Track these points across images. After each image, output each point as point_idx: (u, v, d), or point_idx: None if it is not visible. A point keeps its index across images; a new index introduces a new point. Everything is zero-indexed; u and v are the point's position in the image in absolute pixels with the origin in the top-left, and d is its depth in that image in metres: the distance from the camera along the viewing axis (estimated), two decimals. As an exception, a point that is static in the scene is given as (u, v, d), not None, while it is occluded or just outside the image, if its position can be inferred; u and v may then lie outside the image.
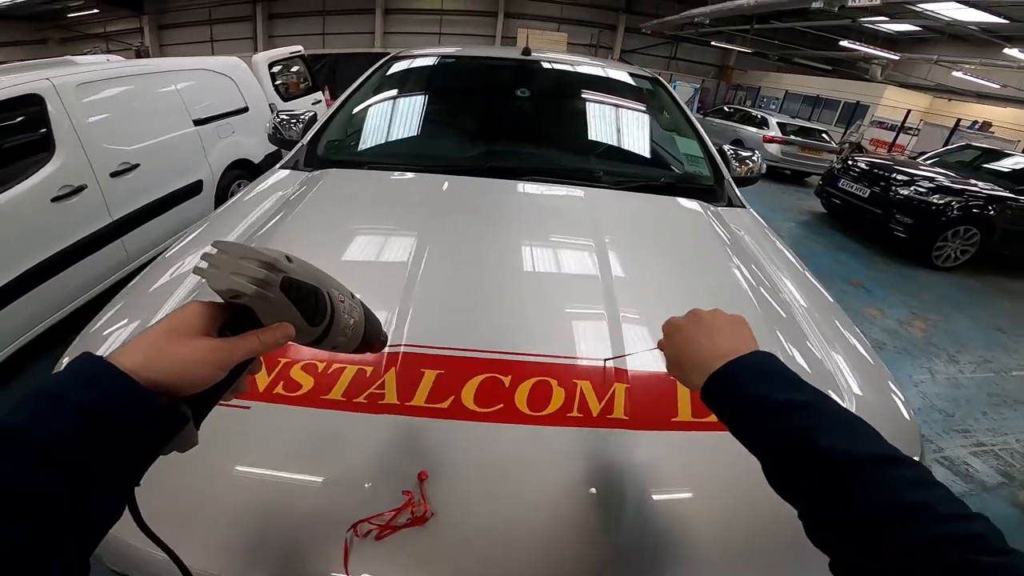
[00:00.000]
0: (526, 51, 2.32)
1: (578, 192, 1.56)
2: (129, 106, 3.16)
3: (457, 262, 1.15)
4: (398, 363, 0.84)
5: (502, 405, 0.79)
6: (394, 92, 2.18)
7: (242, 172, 4.24)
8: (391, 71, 2.24)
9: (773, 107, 17.06)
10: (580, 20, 19.37)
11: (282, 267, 0.42)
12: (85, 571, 0.34)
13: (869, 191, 6.12)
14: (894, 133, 13.57)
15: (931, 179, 5.77)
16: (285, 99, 5.18)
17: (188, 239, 1.30)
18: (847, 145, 11.40)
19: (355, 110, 2.03)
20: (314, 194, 1.43)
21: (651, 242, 1.36)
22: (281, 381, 0.81)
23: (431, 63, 2.36)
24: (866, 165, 6.47)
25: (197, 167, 3.66)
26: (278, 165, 1.74)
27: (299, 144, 1.83)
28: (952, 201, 5.43)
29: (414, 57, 2.31)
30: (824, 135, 9.82)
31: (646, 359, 0.88)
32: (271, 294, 0.41)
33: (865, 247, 6.02)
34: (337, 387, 0.80)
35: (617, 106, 2.19)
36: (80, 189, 2.65)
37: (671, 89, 2.38)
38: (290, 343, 0.44)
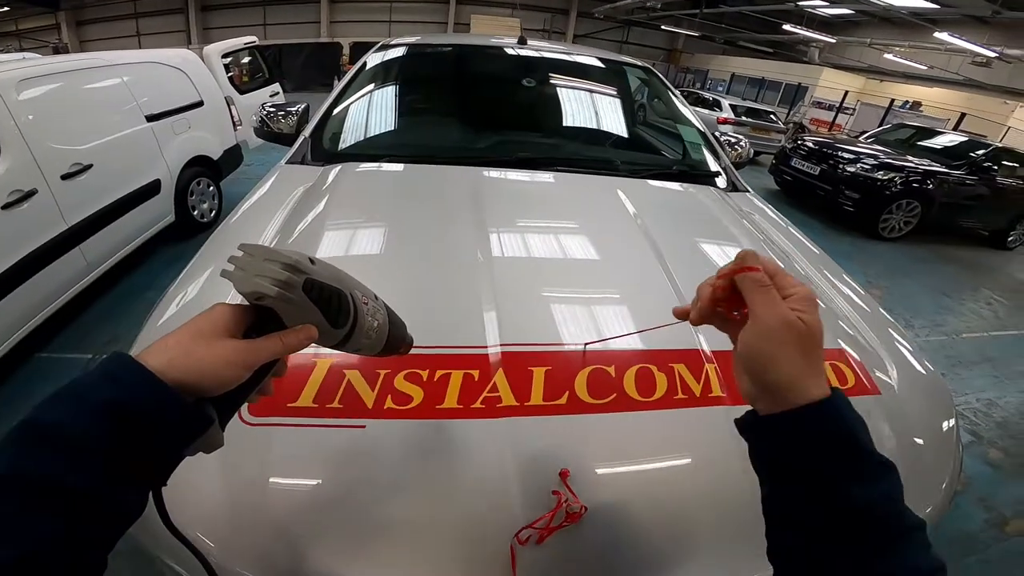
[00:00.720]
0: (522, 40, 2.30)
1: (605, 181, 1.59)
2: (75, 103, 2.93)
3: (523, 254, 1.14)
4: (503, 364, 0.83)
5: (615, 395, 0.81)
6: (393, 82, 2.11)
7: (201, 169, 4.03)
8: (385, 61, 2.17)
9: (720, 89, 17.60)
10: (533, 5, 19.28)
11: (304, 268, 0.42)
12: (103, 567, 0.35)
13: (819, 169, 6.44)
14: (833, 113, 14.26)
15: (874, 156, 6.16)
16: (241, 92, 4.93)
17: (216, 241, 1.24)
18: (792, 125, 11.93)
19: (355, 101, 1.95)
20: (343, 190, 1.37)
21: (690, 230, 1.39)
22: (389, 395, 0.77)
23: (429, 52, 2.31)
24: (814, 144, 6.80)
25: (153, 166, 3.44)
26: (283, 160, 1.65)
27: (301, 137, 1.75)
28: (895, 177, 5.82)
29: (407, 46, 2.25)
30: (772, 116, 10.25)
31: (718, 337, 0.92)
32: (293, 296, 0.41)
33: (819, 221, 6.37)
34: (449, 395, 0.78)
35: (620, 96, 2.24)
36: (30, 194, 2.44)
37: (664, 78, 2.42)
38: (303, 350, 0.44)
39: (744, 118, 9.63)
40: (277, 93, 5.69)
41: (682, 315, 0.52)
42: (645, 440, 0.78)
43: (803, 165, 6.71)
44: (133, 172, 3.26)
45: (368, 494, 0.69)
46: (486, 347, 0.85)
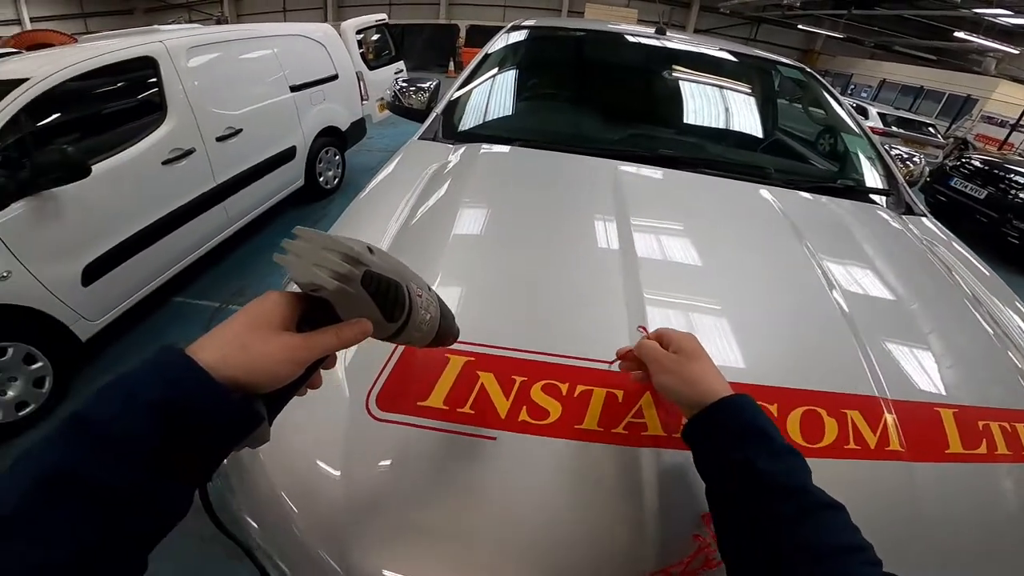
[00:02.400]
0: (660, 30, 2.15)
1: (758, 189, 1.43)
2: (234, 71, 3.17)
3: (674, 265, 1.03)
4: (652, 388, 0.73)
5: None
6: (526, 65, 2.05)
7: (330, 139, 4.25)
8: (518, 42, 2.09)
9: (865, 95, 15.80)
10: (651, -5, 18.47)
11: (364, 260, 0.41)
12: (144, 567, 0.34)
13: (985, 192, 5.51)
14: (1007, 130, 12.28)
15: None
16: (370, 68, 5.13)
17: (351, 214, 1.20)
18: (952, 140, 10.38)
19: (488, 81, 1.90)
20: (478, 172, 1.32)
21: (862, 257, 1.20)
22: (524, 406, 0.71)
23: (563, 36, 2.22)
24: (983, 164, 5.83)
25: (292, 133, 3.67)
26: (416, 136, 1.64)
27: (433, 114, 1.72)
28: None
29: (539, 28, 2.18)
30: (930, 128, 8.97)
31: (913, 389, 0.81)
32: (352, 289, 0.40)
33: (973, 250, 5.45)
34: (590, 414, 0.70)
35: (770, 98, 2.07)
36: (189, 153, 2.67)
37: (824, 82, 2.14)
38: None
39: (895, 128, 8.51)
40: (401, 71, 5.88)
41: (620, 356, 0.67)
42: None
43: (965, 186, 5.78)
44: (275, 138, 3.50)
45: (493, 512, 0.64)
46: None
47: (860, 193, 1.58)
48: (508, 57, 2.02)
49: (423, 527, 0.63)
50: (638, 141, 1.66)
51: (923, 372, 0.86)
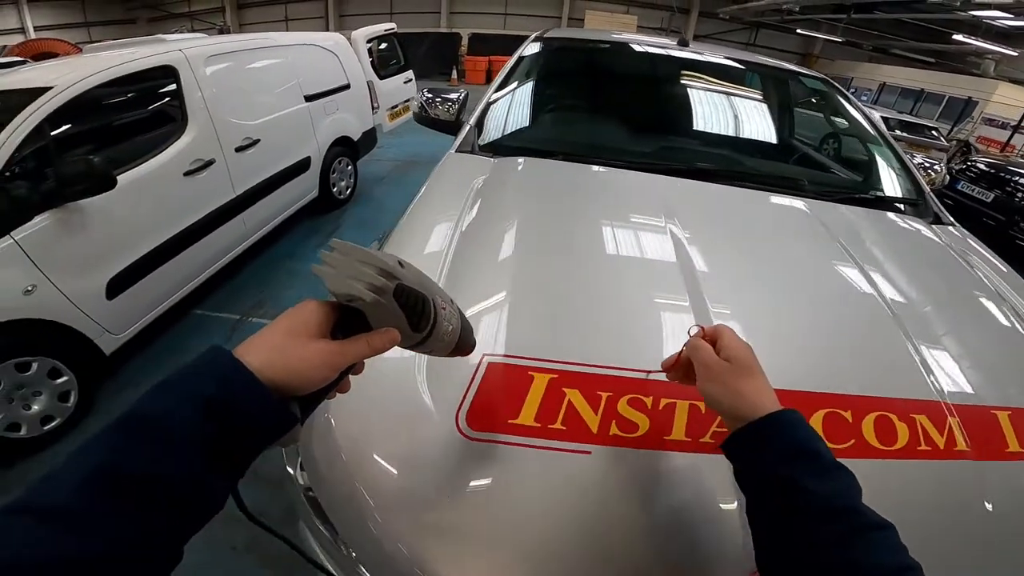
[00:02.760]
0: (682, 41, 2.18)
1: (793, 201, 1.47)
2: (251, 80, 3.18)
3: (731, 281, 1.05)
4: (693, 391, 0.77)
5: (853, 440, 0.76)
6: (555, 76, 2.09)
7: (343, 149, 4.25)
8: (544, 53, 2.12)
9: (865, 99, 15.86)
10: (652, 3, 18.58)
11: (397, 274, 0.43)
12: (180, 559, 0.36)
13: (992, 195, 5.52)
14: (1008, 132, 12.32)
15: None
16: (380, 78, 5.14)
17: (404, 230, 1.20)
18: (955, 143, 10.40)
19: (518, 93, 1.92)
20: (526, 188, 1.35)
21: (906, 267, 1.25)
22: (613, 420, 0.73)
23: (588, 48, 2.25)
24: (988, 167, 5.85)
25: (307, 144, 3.67)
26: (453, 149, 1.64)
27: (467, 127, 1.73)
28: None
29: (564, 40, 2.24)
30: (933, 131, 9.00)
31: (969, 394, 0.88)
32: (385, 301, 0.43)
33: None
34: (676, 426, 0.73)
35: (792, 108, 2.12)
36: (209, 163, 2.66)
37: (846, 91, 2.17)
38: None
39: (899, 132, 8.55)
40: (410, 80, 5.89)
41: (666, 367, 0.65)
42: (890, 489, 0.72)
43: (972, 189, 5.79)
44: (291, 148, 3.49)
45: (597, 525, 0.66)
46: None
47: (892, 204, 1.61)
48: (538, 69, 2.04)
49: (525, 542, 0.64)
50: (678, 155, 1.69)
51: (977, 377, 0.91)
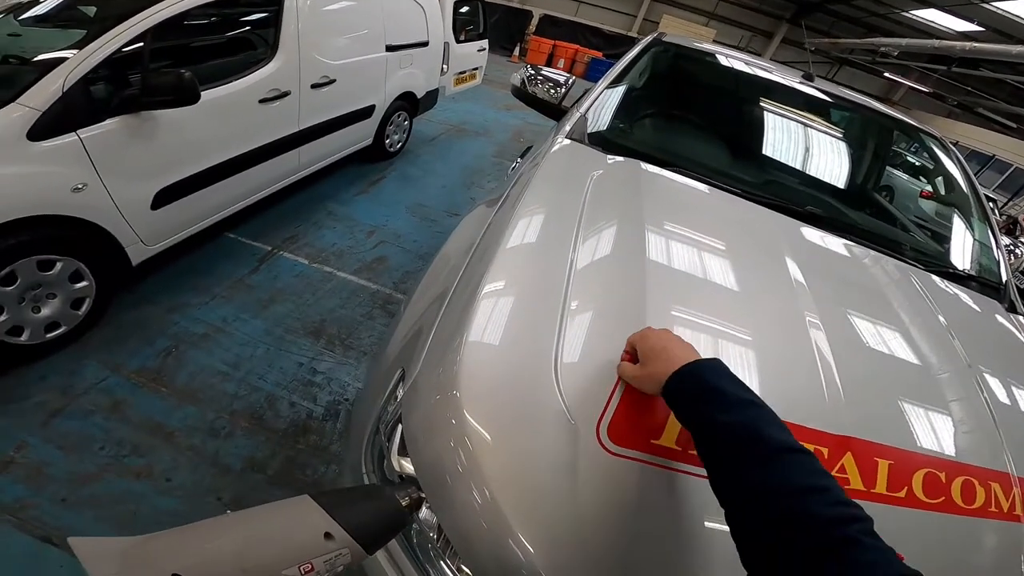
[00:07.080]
0: (808, 76, 2.08)
1: (898, 266, 1.46)
2: (343, 21, 3.14)
3: (853, 334, 1.08)
4: (851, 448, 0.81)
5: (943, 498, 0.81)
6: (673, 84, 2.04)
7: (404, 103, 4.21)
8: (665, 57, 2.06)
9: (930, 159, 15.09)
10: (733, 20, 17.96)
11: None
12: None
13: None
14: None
15: None
16: (457, 41, 5.02)
17: (534, 217, 1.15)
18: (1005, 218, 9.87)
19: (635, 92, 1.87)
20: (653, 199, 1.31)
21: (1000, 353, 1.26)
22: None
23: (712, 65, 2.16)
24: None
25: (376, 92, 3.64)
26: (563, 136, 1.57)
27: (577, 113, 1.68)
28: None
29: (689, 50, 2.14)
30: (991, 202, 8.56)
31: None
32: None
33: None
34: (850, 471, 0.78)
35: (913, 168, 2.06)
36: (284, 95, 2.65)
37: (960, 156, 2.05)
38: None
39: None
40: (484, 50, 5.76)
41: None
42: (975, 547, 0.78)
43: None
44: (361, 94, 3.48)
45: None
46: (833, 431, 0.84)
47: (974, 282, 1.57)
48: (658, 73, 1.99)
49: (657, 562, 0.64)
50: (807, 199, 1.63)
51: None
